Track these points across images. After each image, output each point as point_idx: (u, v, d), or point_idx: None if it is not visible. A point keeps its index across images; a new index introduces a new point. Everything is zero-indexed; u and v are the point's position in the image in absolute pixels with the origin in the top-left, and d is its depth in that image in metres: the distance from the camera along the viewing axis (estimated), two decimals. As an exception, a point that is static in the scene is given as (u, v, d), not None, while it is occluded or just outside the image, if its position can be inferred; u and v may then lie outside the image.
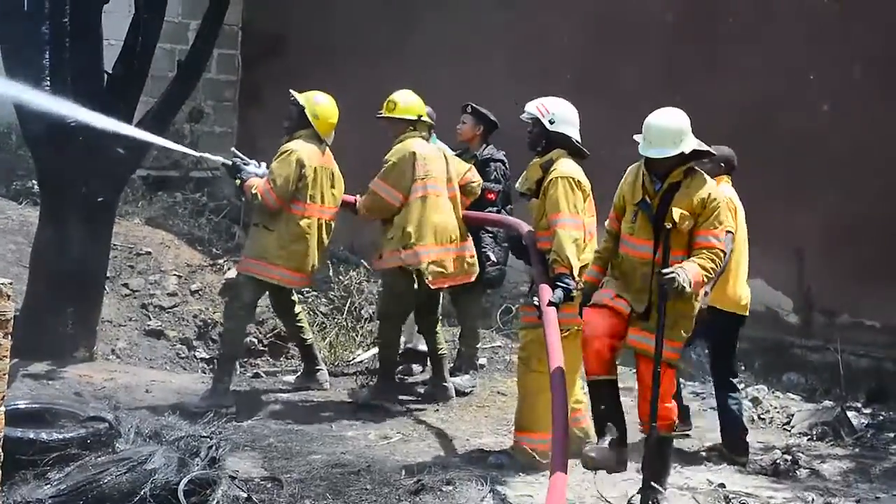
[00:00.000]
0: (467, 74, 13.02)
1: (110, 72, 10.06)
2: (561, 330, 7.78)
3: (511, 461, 8.32)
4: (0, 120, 15.00)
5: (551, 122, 8.30)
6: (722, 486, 8.17)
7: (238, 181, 9.69)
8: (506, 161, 10.41)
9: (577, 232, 8.07)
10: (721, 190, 9.08)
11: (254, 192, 9.48)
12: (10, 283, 5.85)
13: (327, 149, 9.74)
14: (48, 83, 9.41)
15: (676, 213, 7.18)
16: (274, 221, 9.54)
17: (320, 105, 9.65)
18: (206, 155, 10.29)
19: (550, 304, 7.77)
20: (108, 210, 10.44)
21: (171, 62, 12.94)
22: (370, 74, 12.13)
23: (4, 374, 5.65)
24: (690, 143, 7.28)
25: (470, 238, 9.84)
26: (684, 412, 9.25)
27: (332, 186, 9.77)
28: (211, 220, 14.00)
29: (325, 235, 9.74)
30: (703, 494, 7.95)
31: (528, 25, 13.29)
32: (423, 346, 10.48)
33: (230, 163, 9.76)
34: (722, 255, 7.30)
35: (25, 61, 9.51)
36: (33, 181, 12.73)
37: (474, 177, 9.91)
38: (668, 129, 7.26)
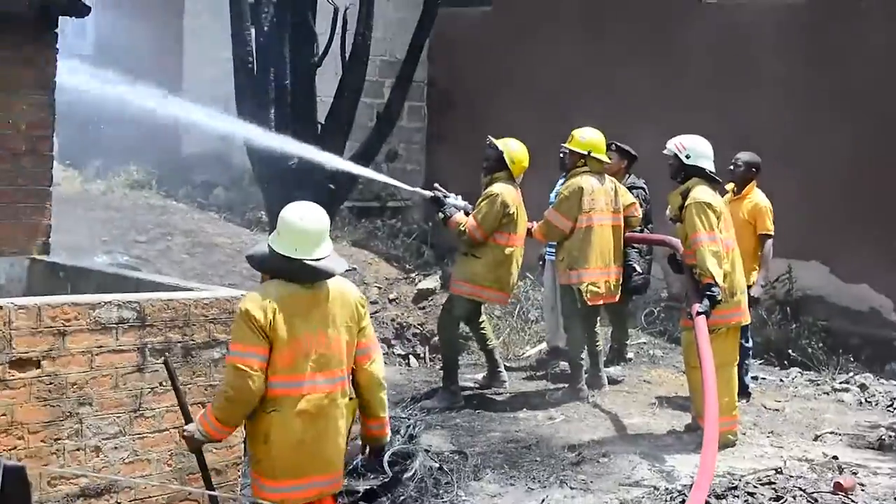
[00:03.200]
0: (610, 116, 12.93)
1: (322, 122, 10.19)
2: (711, 331, 7.70)
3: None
4: (237, 164, 15.40)
5: (687, 157, 8.18)
6: (835, 458, 7.96)
7: (442, 215, 9.44)
8: (646, 188, 10.30)
9: (714, 246, 7.91)
10: (757, 196, 9.54)
11: (462, 228, 9.26)
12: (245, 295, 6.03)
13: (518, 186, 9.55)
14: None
15: None
16: (480, 250, 9.32)
17: (516, 151, 9.37)
18: (418, 189, 10.15)
19: (699, 313, 7.70)
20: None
21: (370, 113, 13.08)
22: (531, 124, 12.09)
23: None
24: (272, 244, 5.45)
25: (620, 264, 9.59)
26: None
27: (525, 217, 9.61)
28: (404, 241, 14.08)
29: (520, 258, 9.55)
30: (819, 465, 7.76)
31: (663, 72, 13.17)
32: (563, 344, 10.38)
33: (433, 195, 9.52)
34: (228, 369, 5.25)
35: (255, 116, 9.70)
36: (262, 212, 12.99)
37: (635, 211, 9.69)
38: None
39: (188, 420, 5.42)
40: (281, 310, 5.22)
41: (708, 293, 7.79)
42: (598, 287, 9.36)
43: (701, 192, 8.05)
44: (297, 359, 5.26)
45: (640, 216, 9.82)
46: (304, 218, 5.35)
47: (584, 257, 9.30)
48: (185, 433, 5.40)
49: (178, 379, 5.51)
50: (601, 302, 9.53)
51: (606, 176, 9.57)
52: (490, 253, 9.34)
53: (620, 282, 9.63)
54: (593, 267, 9.33)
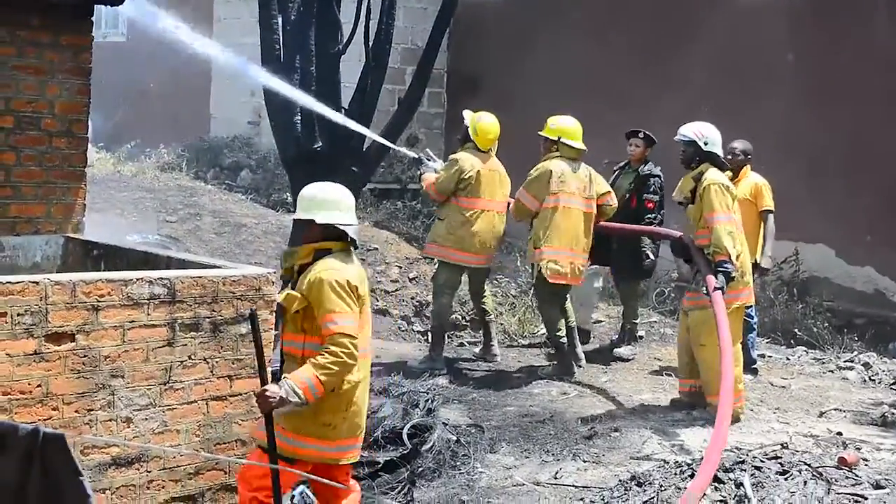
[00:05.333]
0: (626, 100, 12.89)
1: (346, 108, 10.18)
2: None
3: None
4: (263, 148, 15.40)
5: (706, 144, 8.17)
6: (840, 433, 7.92)
7: (419, 172, 9.89)
8: (661, 176, 10.21)
9: (730, 226, 7.95)
10: (754, 177, 9.48)
11: (422, 183, 9.68)
12: (274, 272, 6.14)
13: (492, 156, 9.58)
14: (299, 119, 9.61)
15: (282, 294, 5.38)
16: (443, 212, 9.55)
17: (481, 123, 9.51)
18: (402, 148, 10.58)
19: (716, 289, 7.68)
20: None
21: (392, 100, 13.05)
22: (550, 110, 12.07)
23: (269, 343, 5.77)
24: (330, 217, 5.38)
25: (588, 250, 9.43)
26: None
27: (501, 186, 9.64)
28: (424, 222, 14.07)
29: (496, 223, 9.58)
30: (824, 440, 7.73)
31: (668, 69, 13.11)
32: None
33: (416, 156, 9.88)
34: (342, 338, 5.13)
35: (282, 102, 9.71)
36: (287, 193, 12.98)
37: (611, 201, 9.57)
38: (310, 195, 5.46)
39: (265, 381, 5.14)
40: (359, 279, 5.37)
41: (722, 269, 7.81)
42: (561, 266, 9.25)
43: (716, 175, 8.11)
44: (365, 325, 5.42)
45: (616, 205, 9.61)
46: (343, 188, 5.57)
47: (548, 236, 9.26)
48: (266, 393, 5.09)
49: (261, 338, 5.15)
50: (563, 282, 9.38)
51: (582, 164, 9.47)
52: (450, 214, 9.48)
53: (585, 267, 9.55)
54: (557, 246, 9.24)
